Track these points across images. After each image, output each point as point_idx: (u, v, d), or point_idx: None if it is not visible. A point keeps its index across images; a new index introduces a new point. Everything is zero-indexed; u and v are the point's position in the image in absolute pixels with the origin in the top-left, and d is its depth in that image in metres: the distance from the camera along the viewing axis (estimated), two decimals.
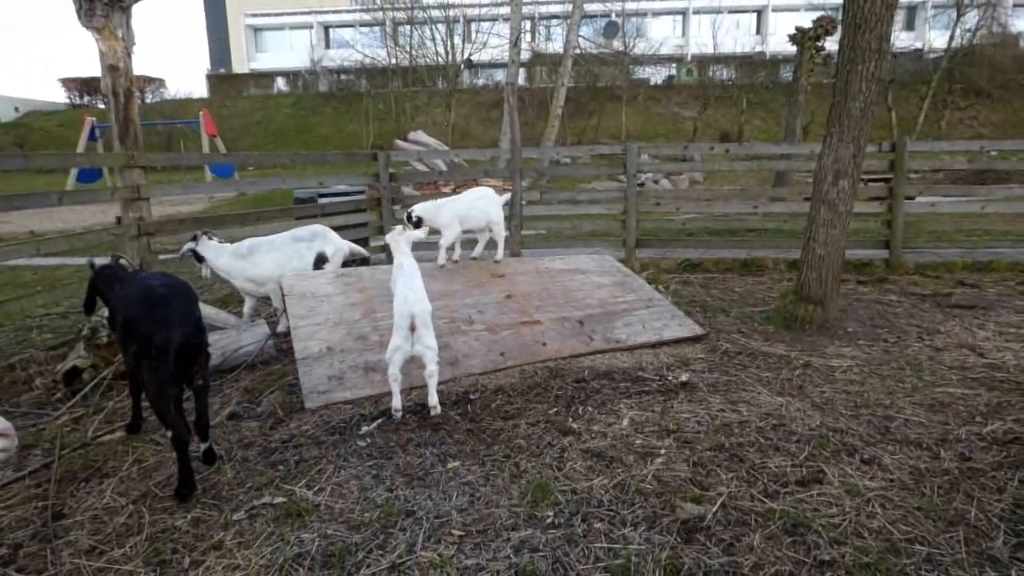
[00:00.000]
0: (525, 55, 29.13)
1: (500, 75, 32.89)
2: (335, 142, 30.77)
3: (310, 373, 3.84)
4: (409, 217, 4.89)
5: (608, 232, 8.30)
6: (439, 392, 3.61)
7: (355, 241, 7.30)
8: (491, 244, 5.62)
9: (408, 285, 3.58)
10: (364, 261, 6.12)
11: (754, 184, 14.73)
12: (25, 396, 3.96)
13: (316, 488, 2.83)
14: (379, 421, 3.45)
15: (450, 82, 29.84)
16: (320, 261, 5.24)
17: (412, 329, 3.41)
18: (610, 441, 3.13)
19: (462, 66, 32.71)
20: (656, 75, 34.74)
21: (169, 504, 2.74)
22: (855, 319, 5.18)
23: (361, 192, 7.48)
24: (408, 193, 15.72)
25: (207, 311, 4.60)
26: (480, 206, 5.14)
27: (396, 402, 3.47)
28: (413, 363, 3.56)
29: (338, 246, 5.35)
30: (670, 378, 3.95)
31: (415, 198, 7.85)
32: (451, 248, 5.32)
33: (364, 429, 3.37)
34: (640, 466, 2.88)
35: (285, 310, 4.53)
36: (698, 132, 26.35)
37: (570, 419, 3.40)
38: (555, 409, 3.54)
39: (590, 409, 3.53)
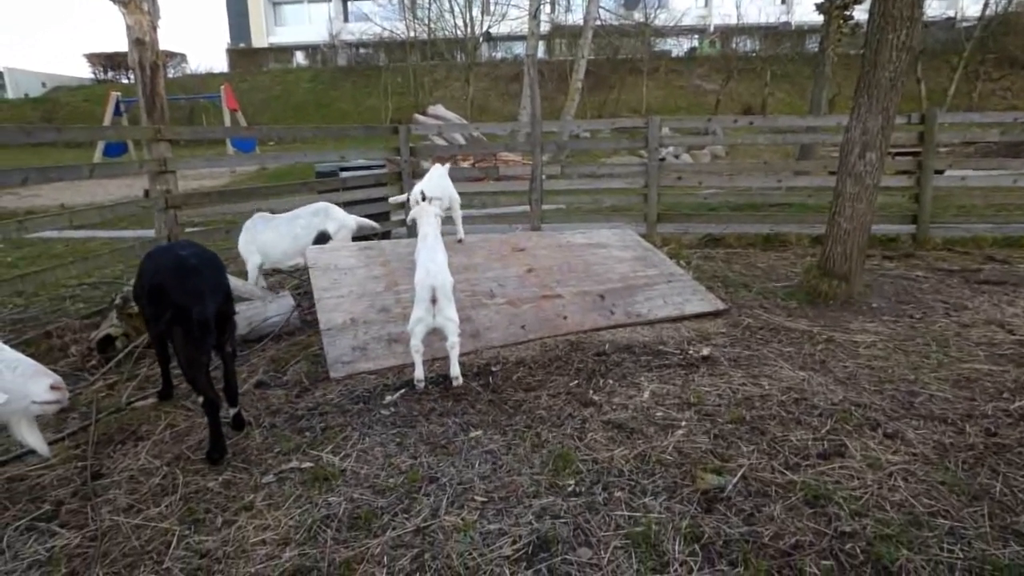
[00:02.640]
0: (545, 27, 28.70)
1: (519, 48, 32.47)
2: (354, 117, 30.69)
3: (334, 344, 3.91)
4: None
5: (629, 207, 8.23)
6: (461, 364, 3.65)
7: (375, 215, 7.38)
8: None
9: (430, 258, 3.60)
10: (386, 235, 6.16)
11: (778, 158, 14.46)
12: (62, 362, 4.09)
13: (342, 454, 2.90)
14: (402, 391, 3.51)
15: (469, 55, 29.50)
16: (322, 238, 5.20)
17: (434, 301, 3.45)
18: (631, 413, 3.15)
19: (481, 39, 32.29)
20: (678, 47, 33.99)
21: (201, 467, 2.83)
22: (880, 295, 5.11)
23: (382, 166, 7.48)
24: (428, 168, 15.79)
25: (234, 282, 4.67)
26: (442, 184, 5.03)
27: (419, 372, 3.52)
28: (435, 335, 3.60)
29: (342, 222, 5.31)
30: (691, 352, 3.95)
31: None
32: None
33: (388, 399, 3.43)
34: (661, 437, 2.90)
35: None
36: (720, 105, 25.82)
37: (591, 391, 3.43)
38: (576, 381, 3.57)
39: (611, 382, 3.55)
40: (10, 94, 35.79)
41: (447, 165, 4.88)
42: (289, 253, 5.17)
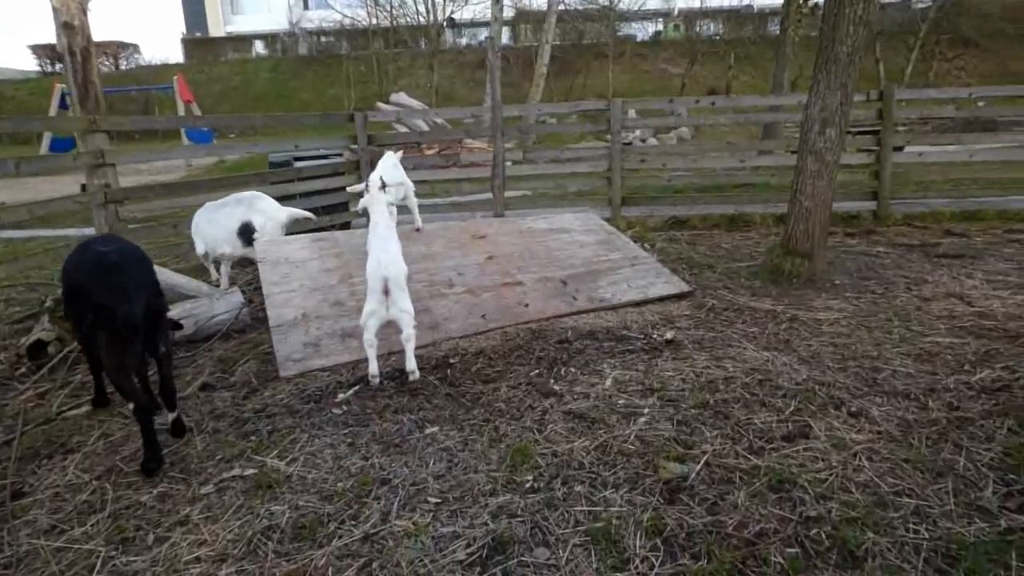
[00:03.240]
0: (509, 12, 28.36)
1: (484, 34, 32.02)
2: (316, 106, 29.99)
3: (285, 341, 3.72)
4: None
5: (594, 191, 8.13)
6: (418, 357, 3.50)
7: (333, 206, 7.15)
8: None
9: (382, 247, 3.43)
10: (345, 226, 5.94)
11: (743, 139, 14.53)
12: None
13: (289, 458, 2.73)
14: (356, 388, 3.35)
15: (432, 42, 29.05)
16: (247, 230, 4.86)
17: (386, 293, 3.29)
18: (592, 402, 3.05)
19: (444, 25, 31.80)
20: (643, 31, 33.97)
21: (135, 479, 2.64)
22: (842, 272, 5.10)
23: (339, 155, 7.23)
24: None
25: (178, 279, 4.44)
26: (395, 174, 4.80)
27: (373, 368, 3.37)
28: (390, 328, 3.44)
29: (270, 215, 4.94)
30: (655, 336, 3.87)
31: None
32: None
33: (340, 396, 3.27)
34: (623, 426, 2.80)
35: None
36: (686, 89, 25.87)
37: (552, 381, 3.32)
38: (537, 371, 3.45)
39: (573, 370, 3.44)
40: None
41: (399, 153, 4.67)
42: (218, 241, 4.89)
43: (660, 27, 34.08)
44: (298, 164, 6.67)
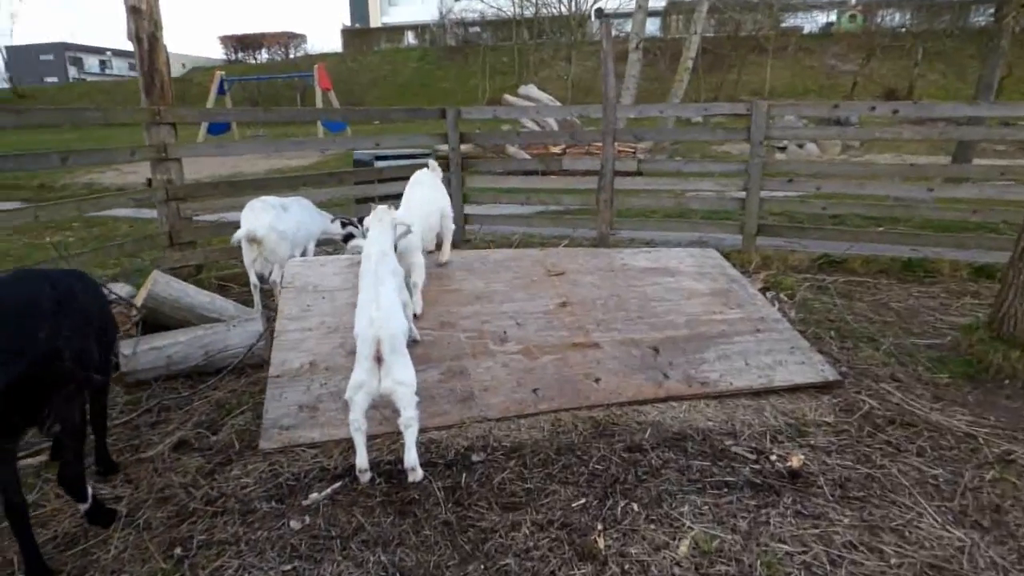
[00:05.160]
0: (658, 2, 26.57)
1: (630, 26, 30.43)
2: (457, 97, 30.24)
3: (279, 399, 2.97)
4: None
5: (724, 213, 6.74)
6: (432, 444, 2.63)
7: None
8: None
9: (372, 296, 2.55)
10: None
11: (927, 156, 12.01)
12: None
13: None
14: (337, 485, 2.50)
15: (572, 32, 28.03)
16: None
17: (378, 360, 2.41)
18: None
19: (590, 16, 30.62)
20: (811, 23, 30.44)
21: None
22: None
23: (427, 154, 6.51)
24: (513, 153, 14.71)
25: (201, 299, 3.88)
26: (430, 197, 3.90)
27: (360, 459, 2.50)
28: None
29: (269, 226, 4.24)
30: (773, 458, 2.63)
31: (524, 161, 6.78)
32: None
33: (312, 497, 2.44)
34: None
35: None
36: (858, 88, 22.63)
37: (600, 526, 2.24)
38: (583, 500, 2.39)
39: (636, 508, 2.33)
40: None
41: (437, 171, 3.80)
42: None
43: (832, 17, 30.35)
44: (379, 164, 6.02)
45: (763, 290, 4.72)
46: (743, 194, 5.75)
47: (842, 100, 19.74)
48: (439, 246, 4.02)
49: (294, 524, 2.30)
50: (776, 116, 5.74)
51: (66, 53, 40.85)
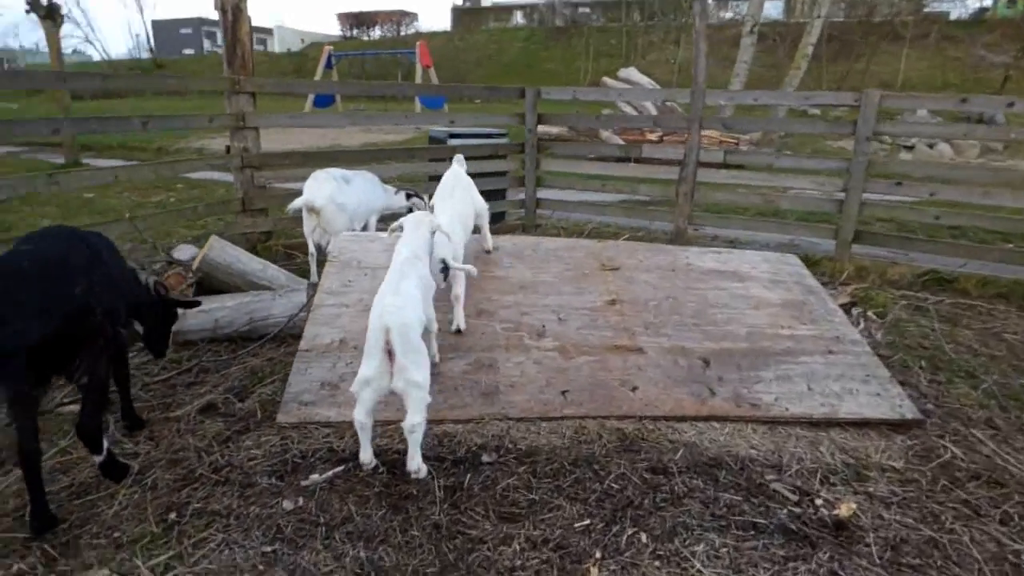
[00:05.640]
0: None
1: (747, 7, 28.64)
2: (561, 79, 29.82)
3: (304, 373, 2.96)
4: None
5: (820, 215, 6.12)
6: (446, 437, 2.53)
7: (489, 192, 6.30)
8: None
9: (393, 287, 2.44)
10: (499, 216, 5.09)
11: None
12: None
13: (170, 574, 1.94)
14: (339, 469, 2.44)
15: (684, 14, 26.75)
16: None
17: (389, 355, 2.28)
18: None
19: None
20: (959, 8, 27.30)
21: (12, 540, 2.07)
22: None
23: (503, 134, 6.35)
24: (607, 138, 14.25)
25: (253, 266, 3.96)
26: (466, 199, 3.61)
27: (365, 454, 2.42)
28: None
29: (314, 196, 4.35)
30: (819, 503, 2.29)
31: (602, 147, 6.52)
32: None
33: (312, 478, 2.39)
34: None
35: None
36: (1010, 84, 20.04)
37: (598, 552, 2.03)
38: (588, 521, 2.18)
39: (643, 539, 2.09)
40: (277, 48, 41.31)
41: (462, 165, 3.57)
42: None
43: (987, 2, 27.04)
44: (453, 142, 5.93)
45: (848, 306, 4.22)
46: (842, 195, 5.16)
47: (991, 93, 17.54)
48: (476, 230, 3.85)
49: (287, 504, 2.26)
50: (906, 111, 5.08)
51: (202, 28, 44.06)
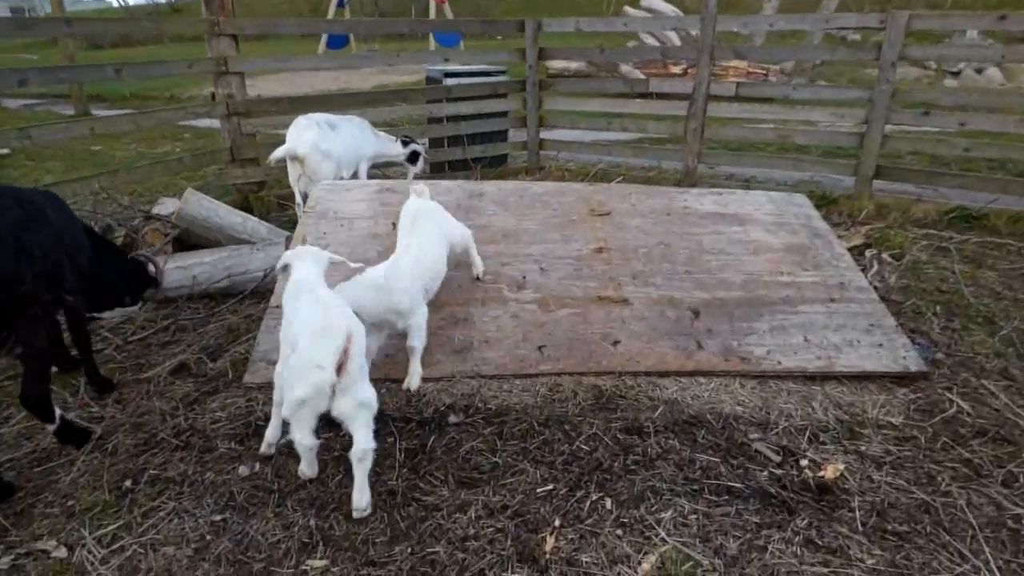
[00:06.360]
0: None
1: None
2: (584, 10, 28.47)
3: (273, 331, 2.83)
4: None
5: (839, 150, 5.72)
6: (419, 392, 2.40)
7: (488, 135, 6.04)
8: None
9: (330, 296, 2.13)
10: (502, 159, 4.80)
11: None
12: None
13: (116, 546, 1.90)
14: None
15: None
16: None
17: (338, 369, 1.88)
18: None
19: None
20: None
21: None
22: None
23: (503, 71, 6.00)
24: (627, 72, 13.57)
25: (232, 219, 3.84)
26: (439, 232, 2.86)
27: (309, 467, 2.09)
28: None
29: (295, 143, 4.16)
30: (803, 463, 2.14)
31: (640, 83, 6.13)
32: None
33: (269, 442, 2.30)
34: None
35: None
36: None
37: (557, 520, 1.92)
38: (551, 486, 2.07)
39: (607, 505, 1.98)
40: None
41: (422, 195, 2.83)
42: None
43: None
44: (449, 81, 5.62)
45: (862, 247, 3.95)
46: (861, 128, 4.77)
47: None
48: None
49: (243, 470, 2.19)
50: (954, 32, 4.62)
51: None
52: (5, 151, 7.18)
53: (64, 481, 2.19)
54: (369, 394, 1.98)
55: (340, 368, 1.87)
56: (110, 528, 1.96)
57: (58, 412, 2.27)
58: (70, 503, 2.08)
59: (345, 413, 1.93)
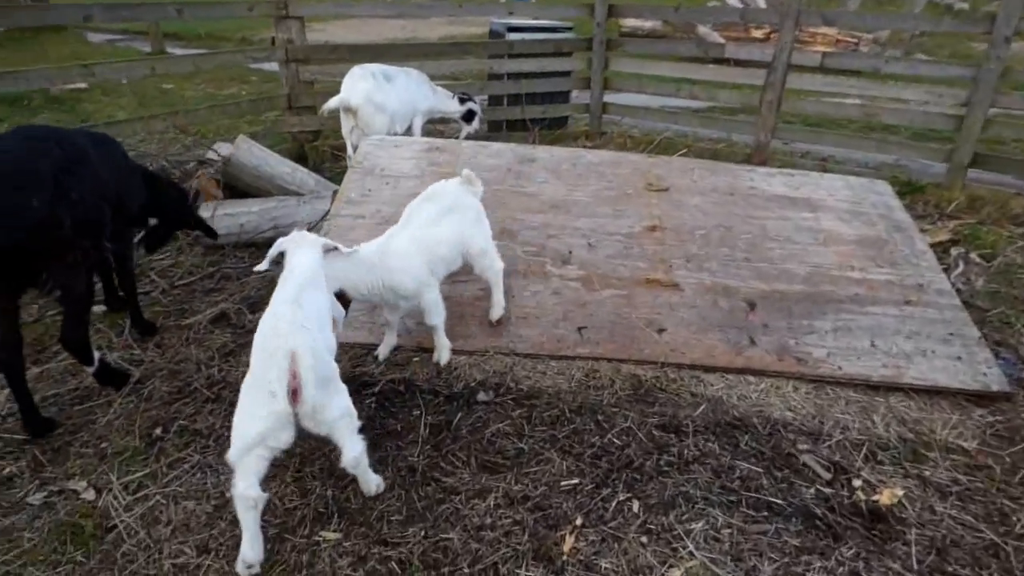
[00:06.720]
0: None
1: None
2: None
3: None
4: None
5: (932, 132, 5.22)
6: (453, 364, 2.40)
7: (550, 95, 5.80)
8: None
9: (290, 294, 1.75)
10: (562, 121, 4.57)
11: None
12: None
13: (143, 493, 1.93)
14: None
15: None
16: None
17: (294, 393, 1.58)
18: None
19: None
20: None
21: (12, 441, 2.13)
22: None
23: (568, 28, 5.70)
24: (704, 33, 12.82)
25: (282, 170, 3.81)
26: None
27: (252, 550, 1.64)
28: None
29: (350, 95, 4.11)
30: (856, 484, 1.96)
31: (716, 47, 5.77)
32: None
33: None
34: None
35: None
36: None
37: (580, 518, 1.82)
38: (577, 480, 1.96)
39: (634, 508, 1.86)
40: None
41: (476, 184, 2.55)
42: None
43: None
44: (511, 36, 5.38)
45: (947, 243, 3.59)
46: (960, 110, 4.30)
47: None
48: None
49: None
50: None
51: None
52: (82, 85, 7.39)
53: (100, 422, 2.24)
54: (342, 407, 1.73)
55: (295, 394, 1.58)
56: (137, 475, 1.99)
57: (97, 355, 2.30)
58: (103, 445, 2.13)
59: (323, 430, 1.71)
